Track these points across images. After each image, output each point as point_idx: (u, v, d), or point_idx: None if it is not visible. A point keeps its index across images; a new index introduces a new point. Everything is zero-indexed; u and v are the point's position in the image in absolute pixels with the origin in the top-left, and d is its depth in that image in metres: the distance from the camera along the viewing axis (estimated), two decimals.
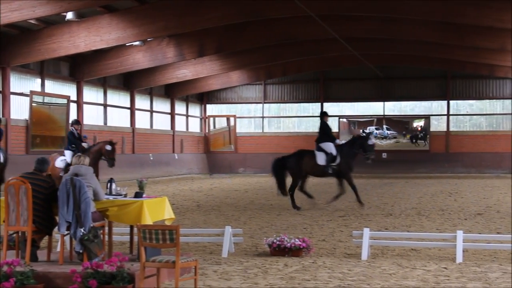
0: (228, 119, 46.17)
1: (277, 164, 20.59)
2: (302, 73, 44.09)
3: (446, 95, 43.16)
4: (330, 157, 19.73)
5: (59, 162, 19.70)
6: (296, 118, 45.43)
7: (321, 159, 19.76)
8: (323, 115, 21.12)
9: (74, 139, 20.08)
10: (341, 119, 44.76)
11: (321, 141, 20.18)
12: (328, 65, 42.44)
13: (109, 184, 10.52)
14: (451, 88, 43.06)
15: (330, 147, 19.89)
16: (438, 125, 43.60)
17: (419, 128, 44.25)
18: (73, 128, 20.14)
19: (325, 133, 20.46)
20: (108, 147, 19.70)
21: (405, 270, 10.06)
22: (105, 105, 35.67)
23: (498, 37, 29.57)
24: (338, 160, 19.73)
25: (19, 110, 28.51)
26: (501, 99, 42.60)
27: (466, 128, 43.34)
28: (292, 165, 20.12)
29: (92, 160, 18.62)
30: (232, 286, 8.88)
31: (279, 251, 11.18)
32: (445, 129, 43.24)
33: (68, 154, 19.58)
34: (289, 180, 20.42)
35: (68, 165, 18.52)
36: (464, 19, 26.55)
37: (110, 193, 10.34)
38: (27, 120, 28.49)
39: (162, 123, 41.43)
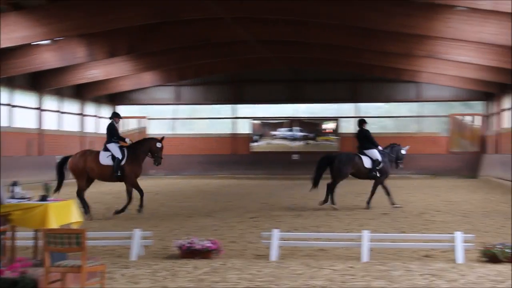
0: (139, 121, 45.86)
1: (325, 160, 21.11)
2: (215, 74, 44.11)
3: (354, 98, 44.01)
4: (376, 162, 20.60)
5: (106, 159, 18.55)
6: (209, 120, 45.48)
7: (367, 163, 20.57)
8: (362, 122, 21.56)
9: (116, 132, 19.31)
10: (253, 121, 45.10)
11: (366, 147, 20.92)
12: (241, 67, 42.58)
13: (12, 188, 10.29)
14: (359, 91, 43.94)
15: (375, 153, 20.77)
16: (347, 126, 44.29)
17: (328, 130, 44.96)
18: (113, 121, 19.13)
19: (368, 140, 21.15)
20: (159, 145, 19.12)
21: (313, 270, 10.12)
22: (10, 105, 34.79)
23: (405, 42, 30.24)
24: (382, 165, 20.61)
25: None
26: (406, 102, 43.78)
27: (374, 130, 44.09)
28: (341, 163, 20.66)
29: (140, 156, 18.66)
30: None
31: (189, 253, 11.13)
32: (353, 131, 43.93)
33: (114, 147, 18.63)
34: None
35: (120, 161, 18.20)
36: (372, 24, 27.07)
37: (14, 197, 10.10)
38: None
39: (71, 124, 40.75)
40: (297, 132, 44.88)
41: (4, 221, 9.52)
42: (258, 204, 21.63)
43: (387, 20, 26.22)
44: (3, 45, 27.21)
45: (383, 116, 44.35)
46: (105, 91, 42.46)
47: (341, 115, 44.58)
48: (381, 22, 26.59)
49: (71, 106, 40.89)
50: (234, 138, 44.53)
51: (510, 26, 24.83)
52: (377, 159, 20.63)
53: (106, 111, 45.15)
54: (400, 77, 41.43)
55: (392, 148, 21.80)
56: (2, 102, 33.92)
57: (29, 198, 10.09)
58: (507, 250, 10.57)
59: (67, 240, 7.95)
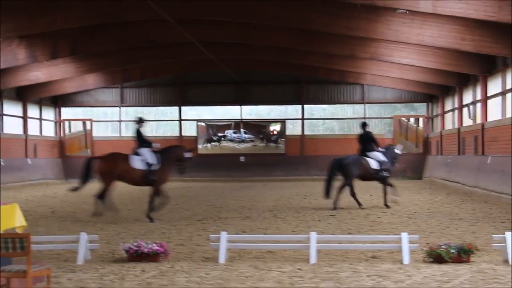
0: (84, 123, 45.50)
1: (335, 166, 21.43)
2: (160, 76, 44.05)
3: (300, 100, 44.28)
4: (382, 163, 21.35)
5: (139, 163, 18.48)
6: (154, 122, 45.19)
7: (373, 164, 21.25)
8: (364, 125, 22.10)
9: (144, 137, 19.20)
10: (199, 123, 45.05)
11: (368, 149, 21.59)
12: (186, 69, 42.57)
13: None
14: (305, 93, 44.21)
15: (378, 155, 21.49)
16: (293, 128, 44.63)
17: (275, 132, 45.08)
18: (139, 126, 18.98)
19: (373, 141, 21.92)
20: (188, 154, 19.10)
21: (261, 272, 10.19)
22: None
23: (348, 44, 30.54)
24: (386, 165, 21.46)
25: None
26: (351, 104, 44.18)
27: (320, 131, 44.59)
28: (351, 164, 21.13)
29: (170, 162, 18.66)
30: None
31: (137, 256, 11.13)
32: (300, 133, 44.32)
33: (146, 153, 18.59)
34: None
35: (151, 165, 18.13)
36: (316, 26, 27.23)
37: None
38: None
39: (13, 127, 40.11)
40: (243, 134, 44.95)
41: None
42: (206, 207, 21.63)
43: (331, 22, 26.39)
44: None
45: (328, 118, 44.66)
46: (48, 93, 41.88)
47: (287, 117, 44.78)
48: (325, 24, 26.76)
49: (13, 108, 40.18)
50: (181, 140, 44.34)
51: (449, 29, 25.35)
52: (382, 160, 21.31)
53: (49, 114, 44.69)
54: (345, 79, 41.78)
55: (388, 149, 22.40)
56: None
57: None
58: (452, 251, 10.72)
59: (11, 245, 7.95)
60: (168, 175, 18.87)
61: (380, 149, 21.71)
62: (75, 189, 18.78)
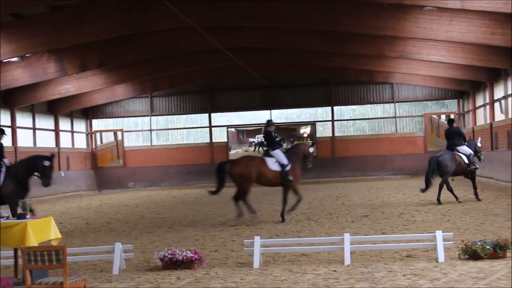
0: (115, 134, 45.70)
1: (433, 161, 21.72)
2: (189, 84, 44.17)
3: (330, 101, 44.15)
4: (470, 157, 21.90)
5: (274, 165, 18.88)
6: (185, 130, 45.37)
7: (464, 158, 21.61)
8: (451, 121, 22.66)
9: (275, 139, 19.61)
10: (229, 129, 45.10)
11: (456, 144, 22.01)
12: (214, 75, 42.62)
13: None
14: (334, 94, 44.09)
15: (466, 149, 21.99)
16: (323, 130, 44.48)
17: (305, 135, 45.04)
18: (269, 129, 19.31)
19: (461, 135, 22.59)
20: (311, 149, 19.73)
21: (296, 275, 10.20)
22: None
23: (375, 43, 30.51)
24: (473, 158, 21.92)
25: None
26: (381, 103, 43.92)
27: (350, 132, 44.37)
28: (447, 160, 21.48)
29: (298, 160, 18.97)
30: None
31: (171, 264, 11.14)
32: (330, 135, 44.19)
33: (279, 154, 19.00)
34: None
35: (285, 167, 18.43)
36: (343, 27, 27.22)
37: None
38: None
39: (46, 140, 40.44)
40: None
41: None
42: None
43: (357, 23, 26.36)
44: None
45: (358, 118, 44.44)
46: (78, 105, 42.21)
47: (317, 119, 44.70)
48: (352, 25, 26.73)
49: (45, 122, 40.58)
50: (212, 146, 44.47)
51: (478, 24, 25.16)
52: (471, 153, 21.78)
53: (80, 126, 45.04)
54: (374, 78, 41.68)
55: (470, 143, 22.71)
56: None
57: (7, 217, 10.07)
58: (487, 247, 10.66)
59: (48, 257, 7.98)
60: (300, 173, 19.15)
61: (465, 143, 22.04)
62: (214, 192, 19.32)
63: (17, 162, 18.69)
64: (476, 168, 22.08)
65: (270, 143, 19.32)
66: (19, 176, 17.42)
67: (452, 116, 24.60)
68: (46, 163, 17.67)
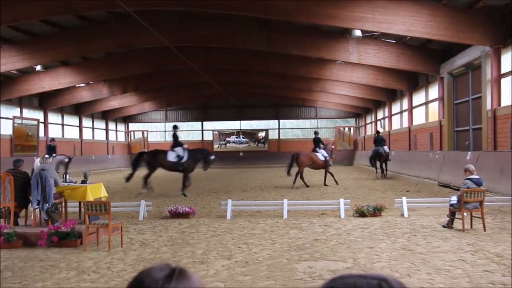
0: (143, 132, 45.31)
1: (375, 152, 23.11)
2: (190, 103, 43.90)
3: (277, 116, 44.25)
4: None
5: (321, 157, 19.45)
6: (186, 131, 45.19)
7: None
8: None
9: (321, 142, 20.00)
10: (214, 132, 45.03)
11: (383, 145, 23.15)
12: (207, 98, 42.41)
13: (64, 175, 10.31)
14: (280, 112, 44.19)
15: (387, 149, 23.25)
16: (273, 135, 44.61)
17: (261, 137, 45.12)
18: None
19: (384, 141, 23.51)
20: (330, 147, 20.10)
21: (252, 224, 10.20)
22: (62, 125, 34.18)
23: (307, 82, 30.73)
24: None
25: (6, 128, 27.44)
26: (309, 119, 44.08)
27: (290, 136, 44.64)
28: (383, 152, 22.94)
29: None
30: (145, 238, 8.80)
31: (175, 215, 11.08)
32: (277, 137, 44.41)
33: (323, 152, 19.51)
34: None
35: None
36: (287, 71, 27.41)
37: (65, 181, 10.11)
38: (11, 135, 27.13)
39: (100, 135, 40.16)
40: (242, 138, 45.03)
41: (59, 196, 9.55)
42: (218, 184, 21.56)
43: (296, 69, 26.60)
44: (57, 87, 26.94)
45: (295, 128, 44.49)
46: (120, 114, 41.86)
47: (269, 127, 44.78)
48: (293, 70, 26.96)
49: (99, 124, 40.25)
50: (203, 143, 44.46)
51: (368, 73, 25.60)
52: (388, 152, 23.75)
53: (121, 127, 44.68)
54: (305, 103, 41.87)
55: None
56: (57, 122, 33.36)
57: (75, 182, 10.11)
58: (370, 209, 10.81)
59: (99, 208, 7.99)
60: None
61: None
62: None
63: (194, 149, 17.37)
64: (389, 160, 23.38)
65: (316, 144, 19.70)
66: (195, 158, 16.87)
67: (379, 129, 26.45)
68: (212, 157, 17.25)
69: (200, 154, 17.23)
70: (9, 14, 15.89)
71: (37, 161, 18.62)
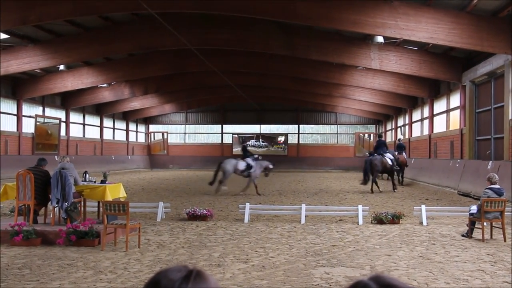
0: (163, 134, 45.61)
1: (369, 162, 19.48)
2: (210, 106, 44.04)
3: (297, 121, 44.15)
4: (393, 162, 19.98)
5: (389, 161, 19.14)
6: (206, 134, 45.42)
7: (389, 161, 19.59)
8: (380, 135, 21.43)
9: (386, 146, 19.82)
10: (234, 135, 45.13)
11: (384, 152, 20.09)
12: (226, 100, 42.59)
13: (84, 175, 10.40)
14: (300, 117, 44.09)
15: (390, 155, 20.08)
16: (292, 139, 44.52)
17: (281, 141, 45.05)
18: (382, 138, 19.21)
19: (386, 146, 20.40)
20: (271, 166, 19.22)
21: (270, 228, 10.16)
22: (84, 124, 34.64)
23: (327, 87, 30.66)
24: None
25: (28, 126, 27.66)
26: (329, 124, 43.87)
27: (309, 141, 44.49)
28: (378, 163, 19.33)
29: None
30: (163, 240, 8.82)
31: (193, 217, 11.07)
32: (296, 142, 44.30)
33: (390, 156, 19.41)
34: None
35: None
36: (307, 75, 27.39)
37: (85, 180, 10.17)
38: (33, 133, 27.50)
39: (120, 135, 40.54)
40: (261, 142, 45.00)
41: (79, 195, 9.61)
42: (237, 188, 21.61)
43: (317, 74, 26.55)
44: (79, 87, 27.33)
45: (314, 133, 44.35)
46: (141, 115, 42.22)
47: (289, 132, 44.70)
48: (313, 75, 26.93)
49: (120, 125, 40.64)
50: (222, 145, 44.61)
51: (390, 79, 25.43)
52: (393, 158, 20.24)
53: (142, 128, 45.07)
54: (325, 108, 41.72)
55: (390, 151, 20.95)
56: (79, 122, 33.86)
57: (94, 181, 10.17)
58: (388, 216, 10.75)
59: (117, 208, 8.01)
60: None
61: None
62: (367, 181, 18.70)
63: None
64: (397, 169, 20.75)
65: (378, 148, 19.49)
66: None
67: (400, 136, 24.76)
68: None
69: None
70: (35, 14, 16.18)
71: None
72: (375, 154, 19.70)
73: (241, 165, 18.17)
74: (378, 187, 19.12)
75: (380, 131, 31.49)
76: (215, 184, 17.88)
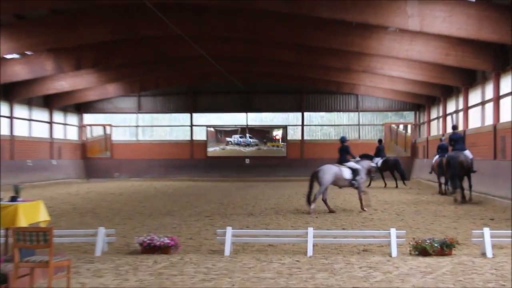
0: (104, 128, 45.52)
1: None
2: (173, 86, 43.92)
3: (301, 108, 44.23)
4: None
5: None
6: (168, 127, 45.36)
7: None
8: (455, 127, 22.51)
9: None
10: (208, 128, 45.03)
11: (463, 149, 21.62)
12: (197, 79, 42.56)
13: None
14: (305, 102, 44.14)
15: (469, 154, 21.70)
16: (294, 134, 44.56)
17: (277, 137, 44.99)
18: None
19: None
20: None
21: (262, 263, 10.14)
22: None
23: (344, 58, 30.61)
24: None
25: None
26: (347, 112, 44.05)
27: (318, 137, 44.48)
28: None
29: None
30: (104, 283, 8.74)
31: (149, 249, 11.08)
32: (300, 138, 44.29)
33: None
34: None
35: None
36: (314, 42, 27.32)
37: None
38: None
39: (41, 131, 40.22)
40: (249, 138, 44.90)
41: None
42: (214, 204, 21.57)
43: (328, 38, 26.46)
44: None
45: (326, 124, 44.51)
46: (72, 100, 41.95)
47: (289, 123, 44.75)
48: (323, 40, 26.83)
49: (40, 114, 40.32)
50: (192, 144, 44.48)
51: (435, 45, 25.38)
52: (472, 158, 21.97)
53: (73, 119, 44.79)
54: (341, 89, 41.78)
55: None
56: None
57: (0, 199, 9.95)
58: (435, 245, 10.71)
59: (35, 238, 7.88)
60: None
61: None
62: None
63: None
64: (475, 171, 21.85)
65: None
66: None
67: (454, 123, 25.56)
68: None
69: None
70: None
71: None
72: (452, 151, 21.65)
73: (346, 173, 19.01)
74: (465, 197, 21.22)
75: (453, 122, 31.59)
76: (313, 203, 18.69)
